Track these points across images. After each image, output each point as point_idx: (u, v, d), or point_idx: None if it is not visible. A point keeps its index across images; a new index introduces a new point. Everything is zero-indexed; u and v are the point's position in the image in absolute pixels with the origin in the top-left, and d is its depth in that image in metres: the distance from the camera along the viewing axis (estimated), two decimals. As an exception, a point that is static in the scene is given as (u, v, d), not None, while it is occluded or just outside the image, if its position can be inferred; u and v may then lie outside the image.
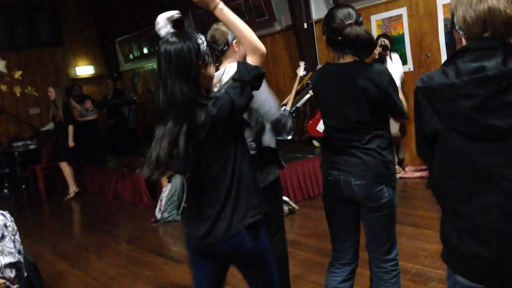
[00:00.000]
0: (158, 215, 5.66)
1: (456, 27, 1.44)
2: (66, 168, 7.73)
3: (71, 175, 7.78)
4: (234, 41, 2.65)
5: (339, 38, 2.25)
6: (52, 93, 7.55)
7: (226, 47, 2.65)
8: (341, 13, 2.26)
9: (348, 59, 2.31)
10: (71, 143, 7.50)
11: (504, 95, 1.31)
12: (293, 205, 5.28)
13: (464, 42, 1.46)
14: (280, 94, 7.49)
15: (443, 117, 1.39)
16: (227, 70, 2.57)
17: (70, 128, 7.51)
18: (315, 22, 6.95)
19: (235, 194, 1.92)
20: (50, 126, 8.30)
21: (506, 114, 1.31)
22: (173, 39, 1.86)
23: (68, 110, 7.61)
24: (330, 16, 2.30)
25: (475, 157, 1.37)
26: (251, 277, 2.10)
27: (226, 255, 2.00)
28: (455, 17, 1.44)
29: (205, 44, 1.90)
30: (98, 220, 6.39)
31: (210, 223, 1.93)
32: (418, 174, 6.05)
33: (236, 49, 2.67)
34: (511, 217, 1.34)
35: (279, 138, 2.99)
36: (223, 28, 2.66)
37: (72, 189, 7.78)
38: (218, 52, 2.65)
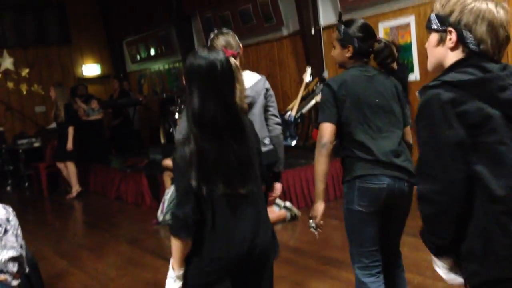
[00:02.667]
0: (160, 217, 5.63)
1: (471, 43, 1.49)
2: (71, 167, 7.67)
3: (75, 174, 7.73)
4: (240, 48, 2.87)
5: (371, 49, 2.47)
6: (52, 92, 7.53)
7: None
8: (368, 27, 2.47)
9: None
10: (69, 145, 7.42)
11: None
12: (296, 210, 5.24)
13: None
14: (285, 99, 7.48)
15: (500, 104, 1.44)
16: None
17: (70, 130, 7.43)
18: (323, 28, 6.91)
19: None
20: (54, 124, 8.30)
21: None
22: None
23: (69, 111, 7.51)
24: (361, 28, 2.46)
25: None
26: (263, 279, 2.07)
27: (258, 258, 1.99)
28: (468, 33, 1.48)
29: None
30: (99, 220, 6.38)
31: (253, 228, 1.97)
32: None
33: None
34: None
35: (284, 143, 3.01)
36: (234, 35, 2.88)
37: (75, 188, 7.74)
38: None
